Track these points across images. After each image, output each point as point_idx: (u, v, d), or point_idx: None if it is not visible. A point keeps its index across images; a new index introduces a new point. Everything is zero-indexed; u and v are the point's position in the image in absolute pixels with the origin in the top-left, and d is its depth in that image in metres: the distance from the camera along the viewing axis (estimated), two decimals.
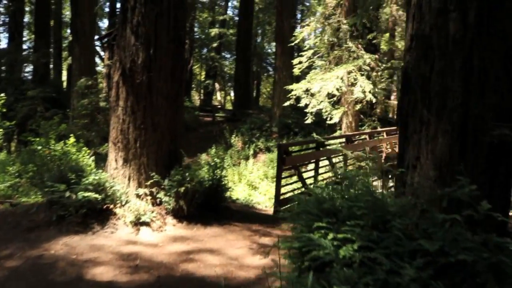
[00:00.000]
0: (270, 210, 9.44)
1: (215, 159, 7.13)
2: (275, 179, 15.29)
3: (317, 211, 3.19)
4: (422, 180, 3.17)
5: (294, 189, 8.69)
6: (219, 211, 6.63)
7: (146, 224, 5.56)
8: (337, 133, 16.27)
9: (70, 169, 5.63)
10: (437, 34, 3.10)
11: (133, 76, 5.80)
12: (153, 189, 5.90)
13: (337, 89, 13.03)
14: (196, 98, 44.09)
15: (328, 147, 9.13)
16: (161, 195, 5.88)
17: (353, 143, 10.46)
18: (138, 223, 5.50)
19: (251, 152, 18.03)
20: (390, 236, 2.66)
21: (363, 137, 12.17)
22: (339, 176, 4.05)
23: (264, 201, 12.88)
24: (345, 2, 14.90)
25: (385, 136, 13.29)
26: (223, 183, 6.95)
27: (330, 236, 2.81)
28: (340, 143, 10.38)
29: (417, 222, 2.65)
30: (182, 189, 5.74)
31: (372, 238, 2.70)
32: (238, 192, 13.89)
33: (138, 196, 5.85)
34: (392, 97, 22.07)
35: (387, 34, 21.32)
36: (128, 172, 5.91)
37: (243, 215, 7.13)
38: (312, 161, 8.66)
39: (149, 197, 5.88)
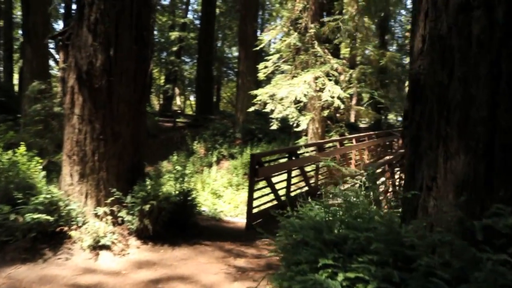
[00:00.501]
0: (239, 222, 8.91)
1: (182, 169, 6.55)
2: (239, 187, 14.92)
3: (319, 244, 2.68)
4: (440, 204, 2.70)
5: (266, 202, 8.15)
6: (188, 229, 6.04)
7: (107, 247, 4.90)
8: (303, 140, 15.90)
9: (17, 187, 4.89)
10: (457, 35, 2.64)
11: (90, 81, 5.13)
12: (114, 207, 5.25)
13: (305, 95, 12.64)
14: (156, 103, 43.06)
15: (301, 156, 8.68)
16: (123, 213, 5.24)
17: (325, 151, 10.07)
18: (97, 246, 4.84)
19: (214, 159, 17.46)
20: (416, 277, 2.19)
21: (333, 144, 11.80)
22: (338, 197, 3.54)
23: (229, 210, 12.46)
24: (311, 5, 14.55)
25: (354, 142, 13.00)
26: (191, 197, 6.37)
27: (341, 277, 2.31)
28: (312, 151, 9.98)
29: (449, 261, 2.17)
30: (147, 207, 5.12)
31: (393, 279, 2.22)
32: (202, 201, 13.35)
33: (96, 215, 5.18)
34: (353, 102, 22.03)
35: (348, 40, 21.22)
36: (85, 189, 5.24)
37: (213, 232, 6.56)
38: (284, 171, 8.16)
39: (109, 217, 5.22)
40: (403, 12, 48.12)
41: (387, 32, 41.24)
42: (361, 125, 29.71)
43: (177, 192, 6.04)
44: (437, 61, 2.77)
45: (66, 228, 4.85)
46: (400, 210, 3.68)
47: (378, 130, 27.75)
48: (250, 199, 6.91)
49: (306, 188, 9.30)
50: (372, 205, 3.42)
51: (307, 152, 9.84)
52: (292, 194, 8.66)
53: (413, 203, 2.91)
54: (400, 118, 55.69)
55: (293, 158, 8.28)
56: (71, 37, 5.25)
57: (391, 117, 51.26)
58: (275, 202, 7.92)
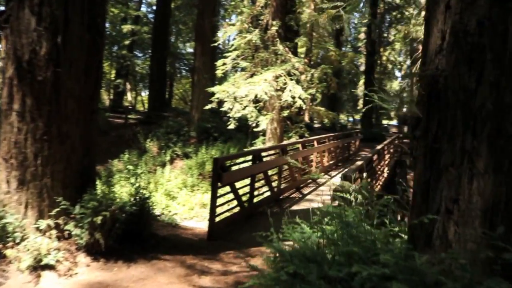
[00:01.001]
0: (197, 228, 8.32)
1: (133, 169, 5.91)
2: (194, 188, 14.27)
3: (320, 281, 2.15)
4: (463, 232, 2.24)
5: (228, 209, 7.59)
6: (145, 241, 5.40)
7: (50, 267, 4.19)
8: (260, 140, 15.44)
9: None
10: (489, 31, 2.18)
11: (33, 72, 4.39)
12: (60, 220, 4.55)
13: (266, 93, 12.17)
14: (106, 98, 41.55)
15: (265, 158, 8.18)
16: (70, 226, 4.55)
17: (288, 153, 9.62)
18: (38, 267, 4.13)
19: (168, 158, 16.71)
20: None
21: (296, 146, 11.38)
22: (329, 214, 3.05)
23: (184, 213, 11.87)
24: (272, 2, 14.10)
25: (315, 144, 12.64)
26: (148, 205, 5.74)
27: None
28: (274, 153, 9.50)
29: None
30: (98, 219, 4.45)
31: None
32: (155, 203, 12.66)
33: (38, 229, 4.45)
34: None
35: (305, 38, 21.13)
36: (25, 198, 4.48)
37: (172, 243, 5.94)
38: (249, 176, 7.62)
39: (54, 231, 4.51)
40: (356, 14, 48.98)
41: (342, 33, 41.83)
42: (315, 126, 29.82)
43: (132, 200, 5.39)
44: (462, 62, 2.29)
45: (0, 246, 4.11)
46: (396, 229, 3.25)
47: (332, 131, 27.84)
48: (213, 206, 6.32)
49: (269, 192, 8.83)
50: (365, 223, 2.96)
51: (270, 154, 9.37)
52: (255, 199, 8.17)
53: (427, 229, 2.44)
54: (351, 119, 56.49)
55: (257, 161, 7.76)
56: (9, 19, 4.47)
57: (342, 117, 51.92)
58: (237, 209, 7.38)
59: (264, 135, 15.20)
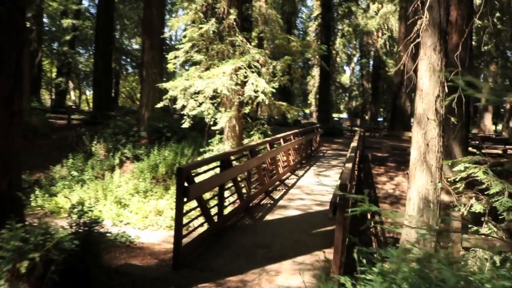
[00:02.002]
0: (156, 244, 7.12)
1: (78, 175, 4.62)
2: (148, 194, 12.93)
3: None
4: None
5: (194, 228, 6.38)
6: (93, 281, 4.14)
7: None
8: (217, 139, 14.24)
9: None
10: None
11: None
12: None
13: (226, 87, 11.00)
14: (47, 97, 39.04)
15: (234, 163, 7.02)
16: None
17: (257, 155, 8.52)
18: None
19: (117, 161, 15.26)
20: None
21: (264, 146, 10.29)
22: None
23: (138, 221, 10.70)
24: None
25: (282, 143, 11.60)
26: (96, 231, 4.47)
27: None
28: (244, 155, 8.39)
29: None
30: (23, 265, 3.17)
31: None
32: (104, 212, 11.32)
33: None
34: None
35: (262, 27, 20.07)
36: None
37: (129, 279, 4.68)
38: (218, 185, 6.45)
39: None
40: (304, 9, 48.52)
41: (293, 27, 41.20)
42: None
43: (75, 227, 4.12)
44: None
45: None
46: None
47: (286, 126, 26.97)
48: (179, 228, 5.10)
49: (238, 201, 7.70)
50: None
51: (238, 158, 8.23)
52: (225, 211, 7.01)
53: None
54: (302, 113, 56.03)
55: (226, 167, 6.60)
56: None
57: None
58: (205, 225, 6.19)
59: (221, 133, 14.00)
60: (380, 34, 38.06)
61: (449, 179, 7.07)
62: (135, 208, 11.55)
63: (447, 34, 7.34)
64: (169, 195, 12.50)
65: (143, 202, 12.10)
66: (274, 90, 11.68)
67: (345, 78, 57.99)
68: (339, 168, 14.43)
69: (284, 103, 13.64)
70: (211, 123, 12.69)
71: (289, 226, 7.04)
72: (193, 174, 5.60)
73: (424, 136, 7.18)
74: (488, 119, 37.00)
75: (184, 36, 13.26)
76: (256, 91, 11.46)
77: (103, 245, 4.51)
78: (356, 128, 32.26)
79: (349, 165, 6.01)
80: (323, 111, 30.24)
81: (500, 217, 6.45)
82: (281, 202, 8.72)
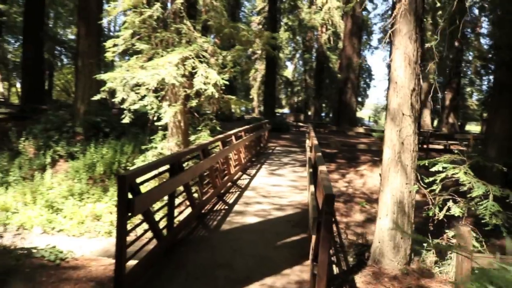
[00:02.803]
0: (94, 265, 6.01)
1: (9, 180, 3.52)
2: (84, 196, 11.59)
3: None
4: None
5: (140, 247, 5.31)
6: None
7: None
8: (159, 135, 13.09)
9: None
10: None
11: None
12: None
13: (175, 78, 9.92)
14: None
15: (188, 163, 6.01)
16: None
17: (209, 155, 7.54)
18: None
19: (49, 160, 13.74)
20: None
21: (216, 145, 9.28)
22: None
23: (72, 228, 9.64)
24: None
25: (234, 141, 10.67)
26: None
27: None
28: (194, 157, 7.39)
29: None
30: None
31: None
32: (33, 218, 10.01)
33: None
34: None
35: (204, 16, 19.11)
36: None
37: None
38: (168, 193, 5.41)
39: None
40: (246, 3, 47.71)
41: (237, 20, 40.24)
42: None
43: None
44: None
45: None
46: None
47: (229, 121, 26.07)
48: (121, 249, 4.03)
49: (190, 208, 6.68)
50: None
51: (189, 159, 7.22)
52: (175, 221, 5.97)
53: None
54: (243, 108, 55.17)
55: (177, 171, 5.56)
56: None
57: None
58: (153, 240, 5.15)
59: (165, 129, 12.87)
60: (324, 29, 37.90)
61: (426, 181, 6.43)
62: (69, 213, 10.36)
63: (422, 22, 6.71)
64: (107, 197, 11.31)
65: (78, 205, 10.90)
66: (227, 82, 10.73)
67: (287, 74, 57.77)
68: (291, 166, 13.70)
69: (233, 97, 12.72)
70: (155, 118, 11.61)
71: (250, 237, 6.12)
72: (139, 182, 4.55)
73: (399, 134, 6.48)
74: (427, 115, 37.81)
75: (124, 22, 12.00)
76: (206, 84, 10.47)
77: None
78: (301, 124, 31.91)
79: (323, 167, 5.16)
80: (269, 106, 29.51)
81: (482, 221, 5.89)
82: (236, 207, 7.78)
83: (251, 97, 52.71)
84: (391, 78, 6.65)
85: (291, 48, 52.34)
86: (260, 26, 37.70)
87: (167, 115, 11.37)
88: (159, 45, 11.81)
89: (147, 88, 10.80)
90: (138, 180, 4.43)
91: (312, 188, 5.51)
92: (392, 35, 6.64)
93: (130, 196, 4.05)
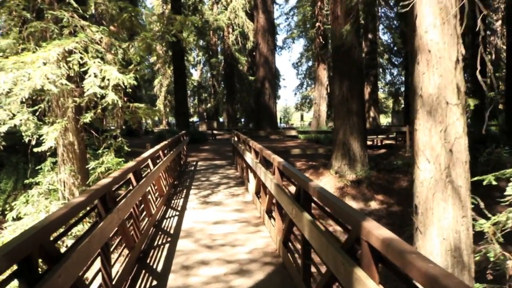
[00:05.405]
0: None
1: None
2: None
3: None
4: None
5: None
6: None
7: None
8: (48, 164, 9.56)
9: None
10: None
11: None
12: None
13: (53, 82, 6.64)
14: None
15: None
16: None
17: (118, 205, 4.34)
18: None
19: None
20: None
21: (126, 179, 5.96)
22: None
23: None
24: None
25: (151, 167, 7.50)
26: None
27: None
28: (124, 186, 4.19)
29: None
30: None
31: None
32: None
33: None
34: None
35: None
36: None
37: None
38: None
39: None
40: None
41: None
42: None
43: None
44: None
45: None
46: None
47: (133, 136, 22.48)
48: None
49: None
50: None
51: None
52: None
53: None
54: (149, 121, 51.23)
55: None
56: None
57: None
58: None
59: (54, 155, 9.36)
60: (230, 29, 35.38)
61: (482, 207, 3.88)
62: None
63: None
64: None
65: None
66: (135, 82, 7.57)
67: (192, 82, 54.46)
68: (226, 186, 10.74)
69: (142, 105, 9.56)
70: (33, 142, 8.23)
71: None
72: None
73: (444, 136, 3.86)
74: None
75: None
76: (103, 87, 7.26)
77: None
78: (216, 132, 28.97)
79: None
80: (182, 115, 26.10)
81: None
82: (171, 282, 4.65)
83: (156, 108, 48.79)
84: (418, 46, 3.98)
85: (194, 54, 49.32)
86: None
87: (50, 136, 7.99)
88: (31, 39, 8.38)
89: (19, 101, 7.44)
90: None
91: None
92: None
93: None
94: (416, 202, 4.12)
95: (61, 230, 3.14)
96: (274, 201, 6.06)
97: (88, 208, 3.77)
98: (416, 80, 4.10)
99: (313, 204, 4.12)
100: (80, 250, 2.84)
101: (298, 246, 4.86)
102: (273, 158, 5.94)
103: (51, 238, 2.64)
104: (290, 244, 5.15)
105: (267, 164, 7.07)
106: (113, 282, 4.03)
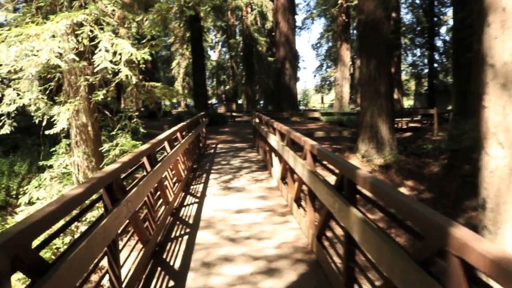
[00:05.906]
0: None
1: None
2: None
3: None
4: None
5: None
6: None
7: None
8: (62, 146, 9.00)
9: None
10: None
11: None
12: None
13: (60, 55, 6.07)
14: None
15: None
16: None
17: (128, 194, 3.74)
18: None
19: None
20: None
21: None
22: None
23: None
24: None
25: (168, 150, 6.92)
26: None
27: None
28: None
29: None
30: None
31: None
32: None
33: None
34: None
35: None
36: None
37: None
38: None
39: None
40: None
41: None
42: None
43: None
44: None
45: None
46: None
47: (151, 118, 22.10)
48: None
49: None
50: None
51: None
52: None
53: None
54: (168, 103, 50.85)
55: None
56: None
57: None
58: None
59: (67, 137, 8.82)
60: (249, 9, 34.45)
61: None
62: None
63: None
64: None
65: None
66: (150, 58, 6.94)
67: (210, 63, 53.75)
68: (247, 170, 10.14)
69: (158, 84, 8.95)
70: (44, 123, 7.77)
71: None
72: None
73: None
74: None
75: None
76: (116, 62, 6.66)
77: None
78: (235, 114, 28.39)
79: None
80: (200, 96, 25.51)
81: None
82: (190, 283, 4.07)
83: (175, 90, 48.24)
84: (489, 4, 3.25)
85: (212, 36, 48.56)
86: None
87: (62, 117, 7.45)
88: (39, 13, 7.79)
89: (28, 79, 6.99)
90: None
91: None
92: None
93: None
94: (484, 195, 3.43)
95: (53, 231, 2.55)
96: (304, 188, 5.42)
97: (87, 202, 3.14)
98: (485, 47, 3.38)
99: (358, 196, 3.46)
100: (74, 257, 2.23)
101: (333, 240, 4.23)
102: (304, 141, 5.26)
103: (34, 246, 2.03)
104: (325, 239, 4.51)
105: (294, 147, 6.43)
106: (123, 286, 3.45)
